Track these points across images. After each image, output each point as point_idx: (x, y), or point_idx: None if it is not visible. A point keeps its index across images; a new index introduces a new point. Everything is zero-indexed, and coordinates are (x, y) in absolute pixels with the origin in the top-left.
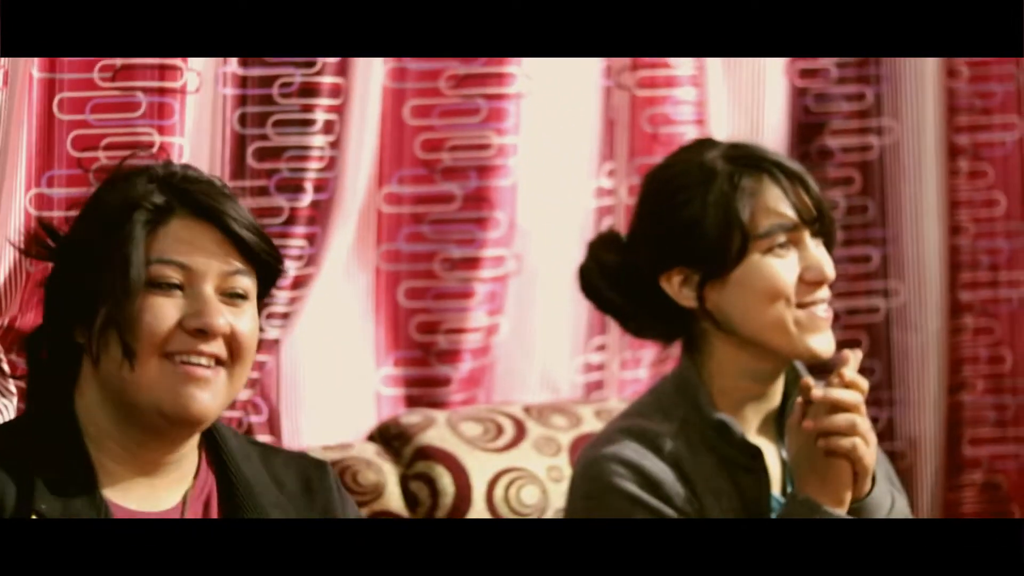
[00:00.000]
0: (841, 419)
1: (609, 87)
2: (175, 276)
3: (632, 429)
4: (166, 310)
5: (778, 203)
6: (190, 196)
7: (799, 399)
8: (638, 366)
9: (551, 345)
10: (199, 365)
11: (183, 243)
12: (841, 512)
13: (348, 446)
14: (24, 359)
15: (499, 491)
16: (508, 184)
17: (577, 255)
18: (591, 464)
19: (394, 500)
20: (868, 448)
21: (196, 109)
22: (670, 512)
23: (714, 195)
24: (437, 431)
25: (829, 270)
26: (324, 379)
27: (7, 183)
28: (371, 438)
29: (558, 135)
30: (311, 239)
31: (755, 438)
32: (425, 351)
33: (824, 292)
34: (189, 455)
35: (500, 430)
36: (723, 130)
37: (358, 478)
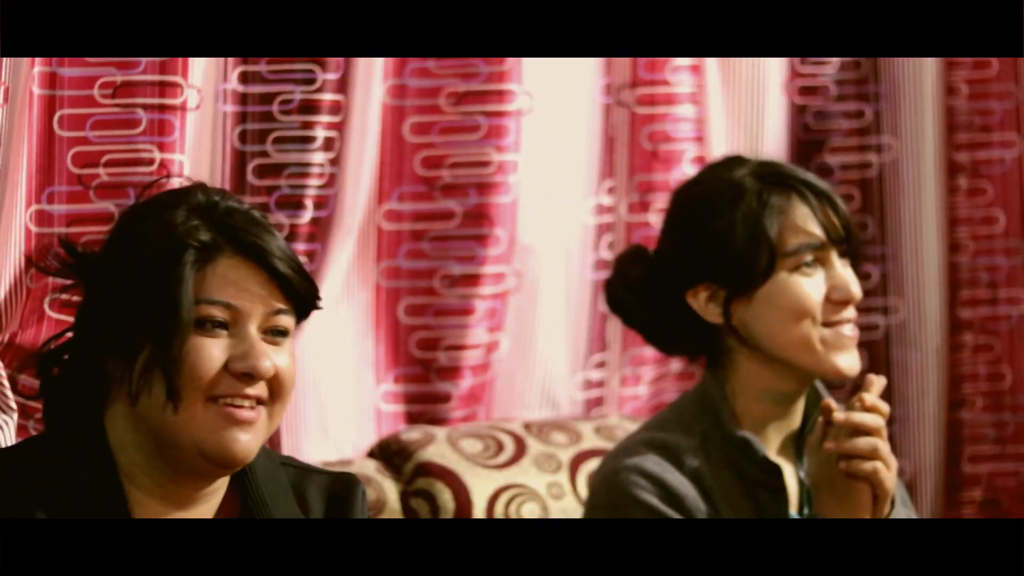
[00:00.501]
0: (863, 442)
1: (609, 104)
2: (221, 316)
3: (654, 442)
4: (212, 352)
5: (806, 222)
6: (236, 234)
7: (820, 419)
8: (638, 383)
9: (551, 362)
10: (242, 407)
11: (230, 284)
12: None
13: (348, 462)
14: (34, 377)
15: (499, 507)
16: (508, 201)
17: (577, 272)
18: (612, 475)
19: (394, 516)
20: (889, 472)
21: (196, 126)
22: None
23: (743, 212)
24: (437, 448)
25: (856, 289)
26: (324, 395)
27: (8, 199)
28: (371, 454)
29: (558, 152)
30: (311, 256)
31: (774, 457)
32: (425, 368)
33: (850, 312)
34: (220, 486)
35: (500, 447)
36: (723, 147)
37: None
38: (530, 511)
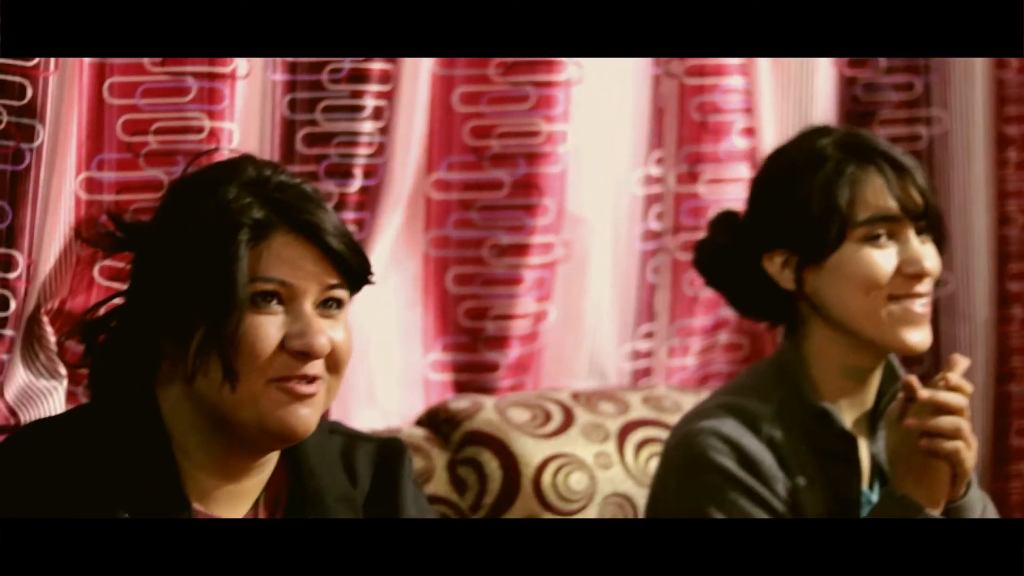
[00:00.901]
0: (946, 421)
1: (658, 75)
2: (276, 293)
3: (731, 405)
4: (268, 330)
5: (880, 194)
6: (290, 211)
7: (901, 395)
8: (686, 354)
9: (599, 332)
10: (301, 383)
11: (284, 262)
12: (936, 513)
13: (396, 431)
14: (79, 343)
15: (547, 477)
16: (557, 171)
17: (625, 243)
18: (688, 437)
19: (442, 485)
20: (969, 452)
21: (246, 94)
22: (764, 492)
23: (820, 180)
24: (485, 416)
25: (930, 264)
26: (372, 364)
27: (58, 167)
28: (419, 423)
29: (607, 123)
30: (360, 224)
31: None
32: (473, 337)
33: (924, 286)
34: (273, 457)
35: (548, 416)
36: (772, 119)
37: None
38: (577, 480)
